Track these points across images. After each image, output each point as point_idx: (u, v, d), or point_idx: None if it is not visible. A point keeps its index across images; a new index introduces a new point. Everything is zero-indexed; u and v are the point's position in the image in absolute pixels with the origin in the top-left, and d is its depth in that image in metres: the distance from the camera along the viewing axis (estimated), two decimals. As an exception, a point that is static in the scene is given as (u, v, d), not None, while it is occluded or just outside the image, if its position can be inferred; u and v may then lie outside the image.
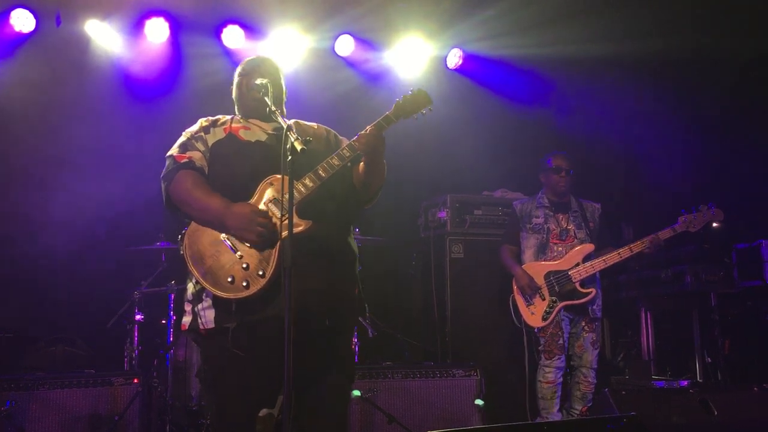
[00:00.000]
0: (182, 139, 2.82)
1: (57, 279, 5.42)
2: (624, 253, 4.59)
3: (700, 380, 5.70)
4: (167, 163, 2.77)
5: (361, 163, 2.73)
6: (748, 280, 5.64)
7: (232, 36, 5.61)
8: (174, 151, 2.78)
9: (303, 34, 5.78)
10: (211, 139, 2.79)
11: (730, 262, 5.75)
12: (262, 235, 2.56)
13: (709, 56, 5.71)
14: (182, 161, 2.73)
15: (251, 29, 5.69)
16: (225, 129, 2.82)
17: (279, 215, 2.60)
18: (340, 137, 2.95)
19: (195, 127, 2.85)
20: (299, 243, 2.42)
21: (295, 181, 2.49)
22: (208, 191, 2.67)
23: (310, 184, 2.62)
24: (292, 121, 2.86)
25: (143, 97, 5.62)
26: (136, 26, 5.48)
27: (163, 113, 5.41)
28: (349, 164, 2.71)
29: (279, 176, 2.63)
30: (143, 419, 4.26)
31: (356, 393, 4.26)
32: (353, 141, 2.69)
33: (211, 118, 2.89)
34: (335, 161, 2.65)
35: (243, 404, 2.61)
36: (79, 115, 5.49)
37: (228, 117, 2.90)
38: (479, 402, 4.55)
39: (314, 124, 2.96)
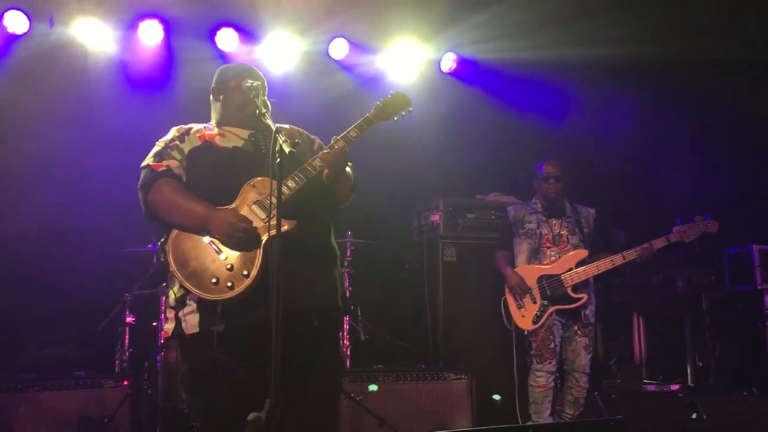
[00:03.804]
0: (157, 148, 2.80)
1: (48, 281, 5.39)
2: (617, 260, 4.60)
3: (692, 384, 5.72)
4: (143, 173, 2.75)
5: (325, 174, 2.73)
6: (739, 284, 5.66)
7: (227, 39, 5.61)
8: (150, 160, 2.76)
9: (297, 37, 5.78)
10: (186, 147, 2.77)
11: (722, 266, 5.77)
12: (244, 241, 2.57)
13: (706, 61, 5.70)
14: (160, 170, 2.71)
15: (245, 32, 5.68)
16: (200, 137, 2.80)
17: (264, 217, 2.61)
18: (312, 136, 2.98)
19: (169, 136, 2.83)
20: (284, 243, 2.42)
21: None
22: (191, 197, 2.66)
23: (293, 185, 2.63)
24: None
25: (137, 98, 5.60)
26: (129, 28, 5.47)
27: (157, 115, 5.37)
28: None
29: (261, 178, 2.65)
30: (133, 422, 4.25)
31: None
32: (321, 153, 2.70)
33: (184, 126, 2.87)
34: (317, 163, 2.68)
35: (231, 409, 2.60)
36: (73, 115, 5.48)
37: (201, 125, 2.87)
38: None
39: (286, 126, 2.94)
